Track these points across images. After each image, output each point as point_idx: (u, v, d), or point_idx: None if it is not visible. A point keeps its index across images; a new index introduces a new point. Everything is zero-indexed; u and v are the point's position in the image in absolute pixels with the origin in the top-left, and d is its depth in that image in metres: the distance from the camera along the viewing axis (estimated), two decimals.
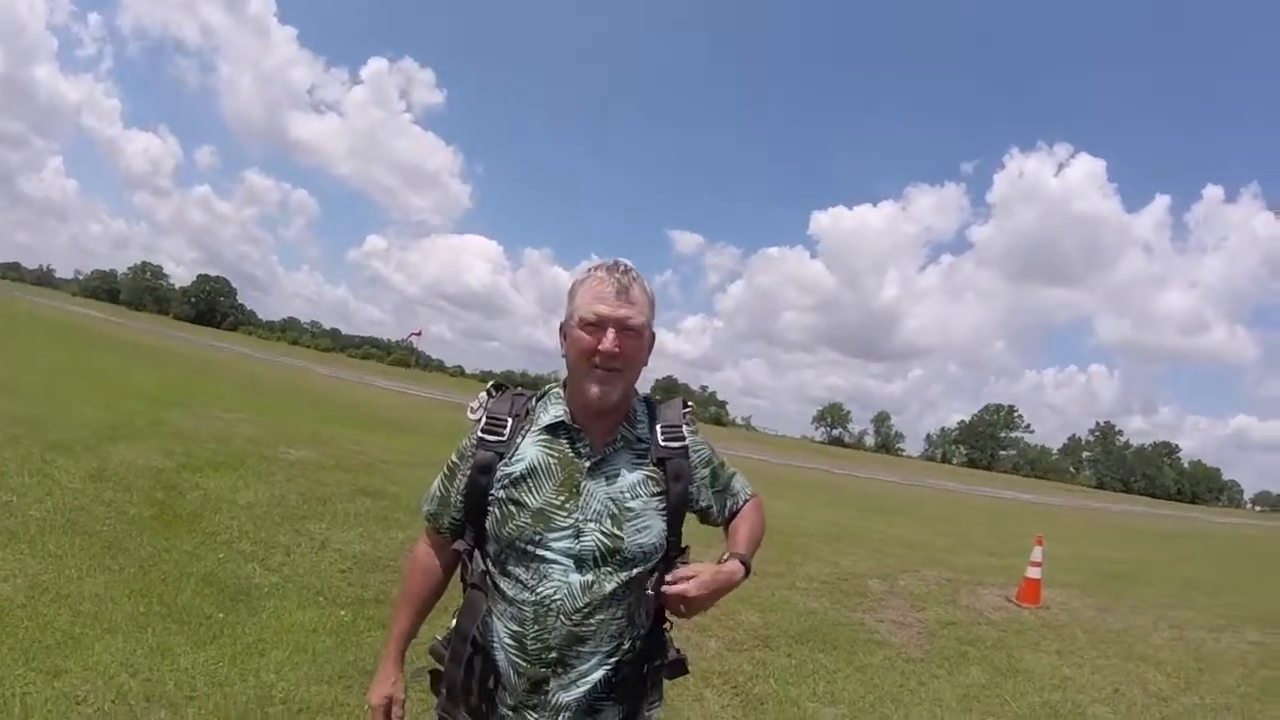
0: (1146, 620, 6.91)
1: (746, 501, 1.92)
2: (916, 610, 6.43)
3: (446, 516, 1.80)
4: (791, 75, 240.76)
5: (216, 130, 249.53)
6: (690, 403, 1.85)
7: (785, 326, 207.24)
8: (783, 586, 6.63)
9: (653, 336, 1.76)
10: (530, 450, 1.69)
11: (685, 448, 1.75)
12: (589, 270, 1.71)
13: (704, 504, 1.83)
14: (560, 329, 1.75)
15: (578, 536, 1.62)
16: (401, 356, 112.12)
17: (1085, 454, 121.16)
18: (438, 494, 1.83)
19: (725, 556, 1.73)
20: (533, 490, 1.65)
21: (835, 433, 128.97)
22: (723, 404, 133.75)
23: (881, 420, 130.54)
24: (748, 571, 1.73)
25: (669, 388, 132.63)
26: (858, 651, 5.46)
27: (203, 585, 4.75)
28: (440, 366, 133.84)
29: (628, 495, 1.66)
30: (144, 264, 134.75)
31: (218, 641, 4.06)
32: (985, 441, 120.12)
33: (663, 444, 1.73)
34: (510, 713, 1.64)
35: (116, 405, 9.95)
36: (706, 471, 1.82)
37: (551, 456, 1.68)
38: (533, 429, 1.72)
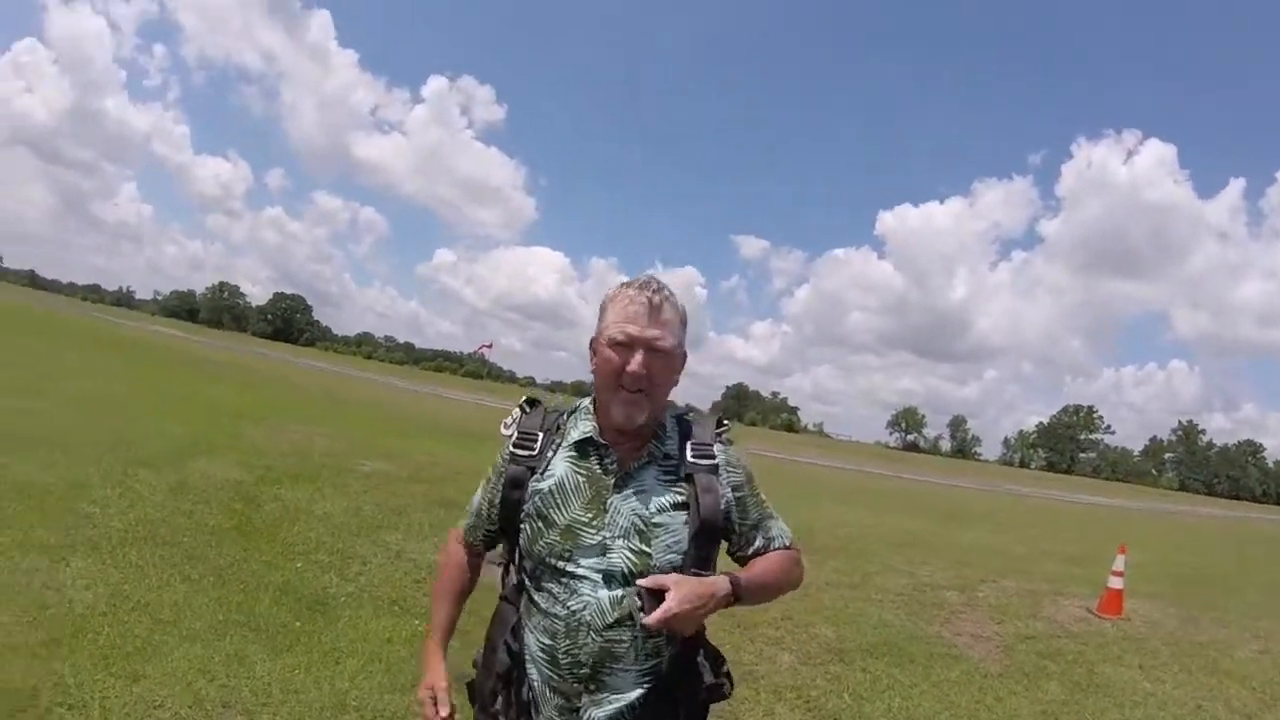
0: (1231, 632, 6.55)
1: (781, 550, 1.76)
2: (995, 622, 6.21)
3: (481, 530, 1.83)
4: (851, 74, 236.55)
5: (284, 153, 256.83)
6: (726, 421, 1.78)
7: (854, 329, 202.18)
8: (857, 598, 6.48)
9: (684, 356, 1.70)
10: (560, 466, 1.67)
11: (715, 465, 1.68)
12: (620, 287, 1.67)
13: (728, 528, 1.71)
14: (590, 345, 1.72)
15: (604, 554, 1.58)
16: (474, 368, 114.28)
17: (1167, 455, 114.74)
18: (475, 508, 1.85)
19: (719, 574, 1.60)
20: (560, 507, 1.63)
21: (910, 438, 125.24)
22: (794, 410, 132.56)
23: (958, 424, 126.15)
24: (736, 594, 1.57)
25: (740, 395, 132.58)
26: (934, 666, 5.28)
27: (280, 595, 4.86)
28: (511, 377, 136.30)
29: (654, 511, 1.61)
30: (221, 284, 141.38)
31: (294, 650, 4.15)
32: (1064, 444, 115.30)
33: (691, 460, 1.67)
34: None
35: (197, 420, 10.28)
36: (732, 496, 1.70)
37: (580, 473, 1.65)
38: (563, 445, 1.70)
